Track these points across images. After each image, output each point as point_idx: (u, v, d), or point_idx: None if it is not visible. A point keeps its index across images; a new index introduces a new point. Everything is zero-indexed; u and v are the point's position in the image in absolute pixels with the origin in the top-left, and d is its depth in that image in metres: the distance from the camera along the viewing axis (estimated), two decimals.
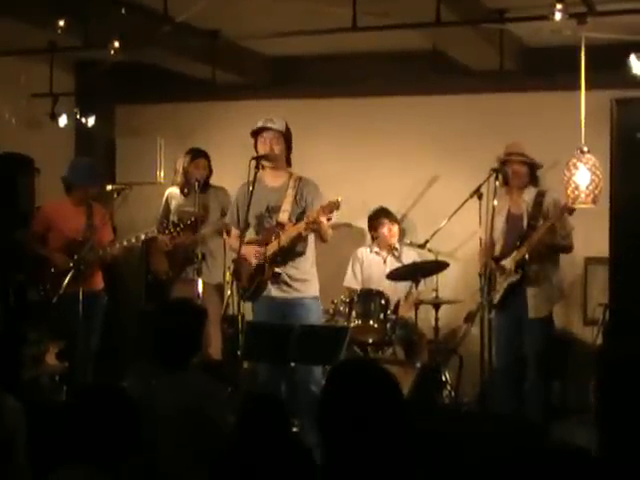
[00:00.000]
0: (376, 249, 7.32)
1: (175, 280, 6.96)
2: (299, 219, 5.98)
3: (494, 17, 6.10)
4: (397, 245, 7.31)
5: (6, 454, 3.55)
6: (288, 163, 6.13)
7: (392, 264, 7.18)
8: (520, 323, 6.26)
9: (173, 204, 7.06)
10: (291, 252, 6.00)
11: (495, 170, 6.06)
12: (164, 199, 7.15)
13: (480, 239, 6.50)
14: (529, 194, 6.34)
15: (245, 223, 5.93)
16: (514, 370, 6.31)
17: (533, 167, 6.34)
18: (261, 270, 6.00)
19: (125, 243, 6.58)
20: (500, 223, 6.25)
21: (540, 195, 6.31)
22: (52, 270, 6.50)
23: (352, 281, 7.28)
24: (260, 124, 6.02)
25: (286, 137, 6.05)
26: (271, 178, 6.11)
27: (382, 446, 2.45)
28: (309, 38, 6.47)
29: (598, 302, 6.89)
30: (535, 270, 6.22)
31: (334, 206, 5.76)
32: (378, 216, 7.30)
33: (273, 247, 5.96)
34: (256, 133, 6.03)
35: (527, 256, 6.13)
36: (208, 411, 3.97)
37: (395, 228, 7.28)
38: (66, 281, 6.25)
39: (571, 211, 5.92)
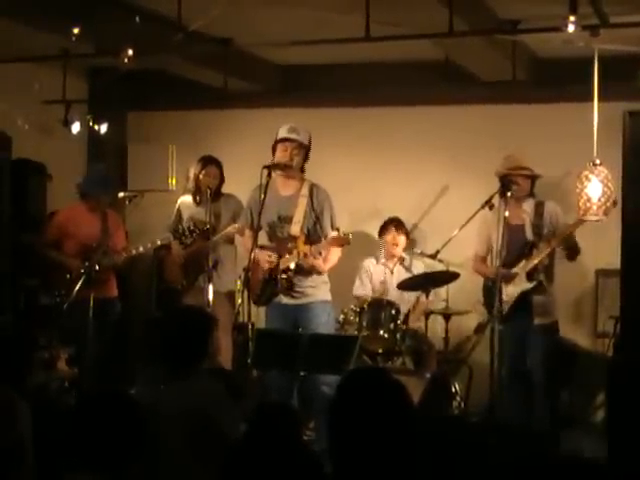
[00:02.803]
0: (383, 260, 7.32)
1: (189, 289, 6.96)
2: (313, 231, 6.03)
3: (507, 28, 6.10)
4: (404, 255, 7.30)
5: (18, 457, 3.56)
6: (301, 170, 6.16)
7: (399, 275, 7.17)
8: (526, 333, 6.27)
9: (186, 213, 7.06)
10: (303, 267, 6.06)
11: (508, 180, 6.07)
12: (176, 207, 7.15)
13: (476, 254, 6.54)
14: (528, 205, 6.38)
15: (256, 232, 5.98)
16: (521, 381, 6.30)
17: (534, 180, 6.38)
18: (273, 281, 6.04)
19: (141, 249, 6.62)
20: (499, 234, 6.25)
21: (539, 205, 6.36)
22: (68, 276, 6.53)
23: (360, 289, 7.28)
24: (284, 133, 6.04)
25: (307, 148, 6.08)
26: (283, 186, 6.14)
27: (391, 455, 2.45)
28: (320, 46, 6.48)
29: (609, 315, 6.87)
30: (543, 279, 6.26)
31: (344, 242, 5.85)
32: (386, 224, 7.31)
33: (287, 262, 6.00)
34: (279, 140, 6.05)
35: (538, 266, 6.16)
36: (215, 417, 3.97)
37: (401, 239, 7.25)
38: (77, 287, 6.27)
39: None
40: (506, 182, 6.11)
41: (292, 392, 6.05)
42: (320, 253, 5.99)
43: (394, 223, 7.28)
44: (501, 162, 6.42)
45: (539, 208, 6.35)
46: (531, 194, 6.43)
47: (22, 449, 3.64)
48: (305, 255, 5.95)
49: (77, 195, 7.01)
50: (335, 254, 6.11)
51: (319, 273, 6.10)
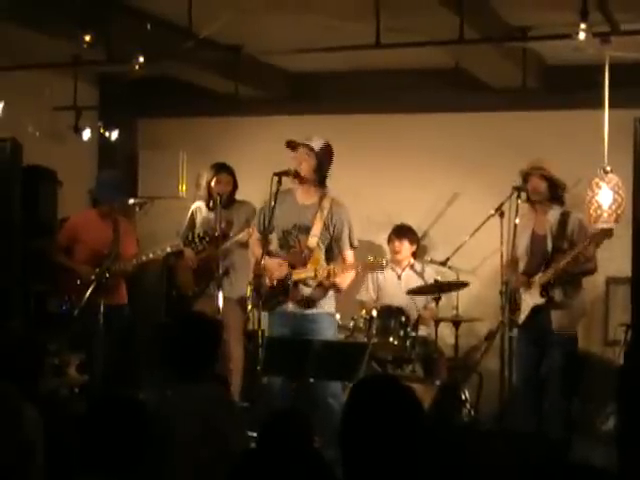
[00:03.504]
0: (391, 264, 7.32)
1: (200, 295, 6.96)
2: (328, 247, 6.04)
3: (517, 35, 6.11)
4: (413, 261, 7.31)
5: (26, 463, 3.56)
6: (322, 182, 6.11)
7: (407, 280, 7.18)
8: (542, 340, 6.22)
9: (199, 218, 7.07)
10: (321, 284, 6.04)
11: (517, 188, 6.04)
12: (189, 213, 7.16)
13: (502, 256, 6.49)
14: (553, 214, 6.27)
15: (266, 237, 5.95)
16: (534, 388, 6.27)
17: (554, 184, 6.29)
18: (284, 290, 6.01)
19: (151, 255, 6.63)
20: (524, 241, 6.21)
21: (565, 215, 6.23)
22: (78, 282, 6.54)
23: (365, 295, 7.30)
24: (297, 140, 6.02)
25: (319, 156, 6.03)
26: (302, 195, 6.10)
27: (401, 462, 2.44)
28: (331, 54, 6.49)
29: (619, 322, 6.85)
30: (559, 293, 6.18)
31: (378, 267, 5.91)
32: (392, 232, 7.32)
33: (301, 274, 5.97)
34: (291, 148, 6.03)
35: (552, 281, 6.10)
36: (222, 423, 3.97)
37: (404, 246, 7.26)
38: (88, 293, 6.29)
39: (610, 235, 5.88)
40: (518, 188, 6.08)
41: (293, 399, 5.99)
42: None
43: (395, 231, 7.29)
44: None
45: (563, 218, 6.22)
46: (559, 202, 6.29)
47: (30, 454, 3.64)
48: (328, 274, 5.92)
49: (88, 201, 7.04)
50: (352, 274, 6.10)
51: (338, 291, 6.09)
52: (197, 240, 6.53)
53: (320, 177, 6.08)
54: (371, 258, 5.92)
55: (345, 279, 6.04)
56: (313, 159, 6.00)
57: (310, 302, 6.03)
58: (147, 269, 7.47)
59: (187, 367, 4.12)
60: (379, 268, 6.00)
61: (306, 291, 6.01)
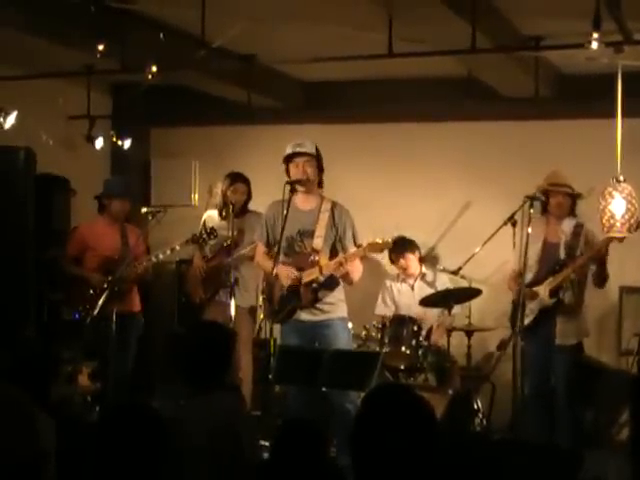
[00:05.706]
0: (403, 276, 7.31)
1: (208, 303, 6.97)
2: (332, 248, 5.99)
3: (530, 44, 6.10)
4: (426, 271, 7.29)
5: (39, 471, 3.57)
6: (320, 185, 6.14)
7: (420, 290, 7.16)
8: (548, 351, 6.21)
9: (210, 227, 7.07)
10: (330, 279, 6.00)
11: (530, 198, 6.01)
12: (202, 221, 7.18)
13: (513, 269, 6.48)
14: (568, 224, 6.27)
15: (279, 246, 5.94)
16: (545, 398, 6.25)
17: (575, 199, 6.31)
18: (296, 295, 5.98)
19: (161, 256, 6.63)
20: (535, 251, 6.19)
21: (578, 227, 6.24)
22: (91, 292, 6.55)
23: (383, 309, 7.28)
24: (290, 150, 6.02)
25: (317, 159, 6.06)
26: (302, 201, 6.10)
27: (414, 472, 2.44)
28: (343, 63, 6.50)
29: (633, 332, 6.82)
30: (568, 298, 6.17)
31: (385, 247, 5.82)
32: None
33: (311, 275, 5.95)
34: (288, 158, 6.03)
35: (563, 284, 6.09)
36: (236, 432, 3.96)
37: (409, 260, 7.22)
38: (101, 301, 6.30)
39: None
40: (537, 196, 6.03)
41: (312, 408, 5.98)
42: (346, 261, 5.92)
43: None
44: (545, 177, 6.34)
45: (577, 229, 6.23)
46: (572, 214, 6.31)
47: (43, 462, 3.64)
48: (340, 264, 5.89)
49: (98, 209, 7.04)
50: (359, 266, 6.07)
51: (350, 283, 6.05)
52: (205, 236, 6.53)
53: (320, 179, 6.11)
54: (378, 240, 5.86)
55: (356, 269, 6.01)
56: (314, 164, 6.03)
57: (319, 307, 6.00)
58: (161, 278, 7.48)
59: (200, 377, 4.12)
60: (387, 247, 5.94)
61: (318, 293, 6.00)
